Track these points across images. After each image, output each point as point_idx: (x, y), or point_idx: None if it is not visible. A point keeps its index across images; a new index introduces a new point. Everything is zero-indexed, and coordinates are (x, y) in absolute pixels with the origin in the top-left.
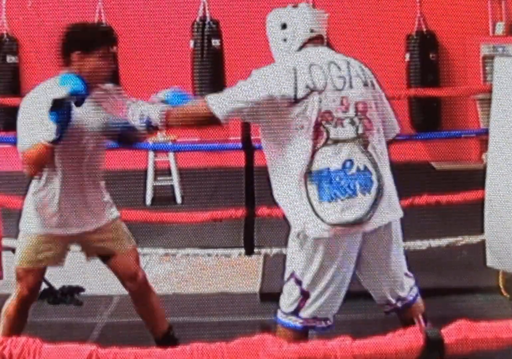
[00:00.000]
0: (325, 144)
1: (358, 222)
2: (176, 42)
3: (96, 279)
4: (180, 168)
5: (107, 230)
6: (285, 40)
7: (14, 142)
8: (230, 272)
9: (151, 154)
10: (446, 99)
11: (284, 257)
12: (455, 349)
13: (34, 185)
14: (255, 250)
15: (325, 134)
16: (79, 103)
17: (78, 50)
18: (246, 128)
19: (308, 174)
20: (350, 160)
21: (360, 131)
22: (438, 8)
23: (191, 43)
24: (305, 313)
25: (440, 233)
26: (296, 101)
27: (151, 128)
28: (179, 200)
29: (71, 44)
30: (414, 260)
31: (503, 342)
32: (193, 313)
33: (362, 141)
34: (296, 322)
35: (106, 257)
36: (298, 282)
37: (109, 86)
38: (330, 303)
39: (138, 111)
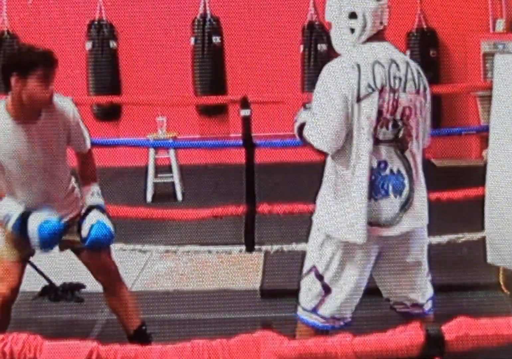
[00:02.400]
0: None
1: (389, 224)
2: (177, 39)
3: None
4: (180, 165)
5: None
6: (352, 30)
7: None
8: (231, 269)
9: (151, 151)
10: (447, 96)
11: (285, 253)
12: (456, 346)
13: None
14: (256, 247)
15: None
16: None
17: (15, 73)
18: (246, 125)
19: (358, 174)
20: (385, 162)
21: (401, 135)
22: (438, 5)
23: (192, 40)
24: (325, 311)
25: (440, 230)
26: (358, 100)
27: None
28: (179, 197)
29: (9, 68)
30: None
31: (504, 338)
32: (194, 309)
33: (401, 145)
34: (315, 320)
35: (79, 250)
36: (319, 277)
37: (64, 105)
38: (349, 301)
39: None
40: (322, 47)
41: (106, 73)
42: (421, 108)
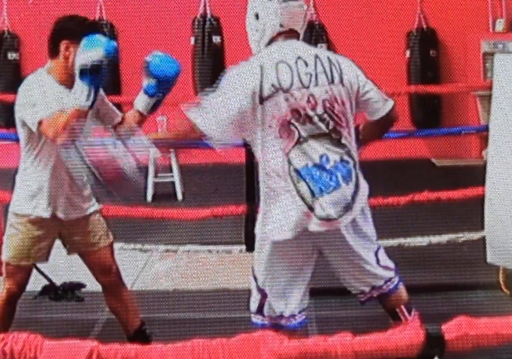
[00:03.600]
0: (297, 142)
1: (346, 211)
2: (177, 39)
3: None
4: (181, 165)
5: (86, 222)
6: (257, 30)
7: (16, 139)
8: (231, 268)
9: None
10: (447, 96)
11: None
12: (456, 345)
13: (24, 160)
14: None
15: (296, 132)
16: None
17: (65, 39)
18: None
19: (293, 172)
20: (325, 155)
21: (331, 126)
22: (438, 5)
23: (192, 39)
24: (269, 310)
25: (440, 229)
26: (262, 100)
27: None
28: (180, 196)
29: (58, 34)
30: (414, 256)
31: (503, 338)
32: (194, 309)
33: (334, 135)
34: (263, 320)
35: (84, 252)
36: (255, 279)
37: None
38: (292, 299)
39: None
40: (322, 46)
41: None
42: (346, 95)
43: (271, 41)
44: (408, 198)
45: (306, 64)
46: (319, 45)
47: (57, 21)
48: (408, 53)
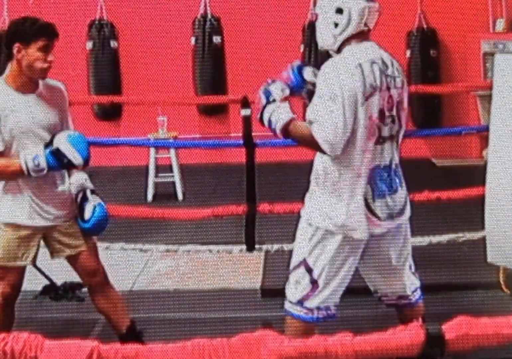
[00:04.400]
0: (377, 142)
1: (399, 215)
2: (177, 39)
3: None
4: (181, 165)
5: (70, 224)
6: (337, 25)
7: None
8: (231, 268)
9: (152, 150)
10: (447, 96)
11: (285, 253)
12: (456, 345)
13: None
14: (256, 246)
15: (377, 132)
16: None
17: (18, 42)
18: (247, 124)
19: (364, 172)
20: (392, 157)
21: (396, 129)
22: (438, 5)
23: (192, 39)
24: (310, 303)
25: (440, 229)
26: (365, 100)
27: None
28: (180, 196)
29: (10, 37)
30: (415, 256)
31: (504, 338)
32: (195, 309)
33: (396, 139)
34: (301, 312)
35: (67, 254)
36: (309, 270)
37: (57, 84)
38: (335, 293)
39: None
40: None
41: (107, 73)
42: (405, 101)
43: (350, 38)
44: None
45: (387, 66)
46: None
47: (9, 24)
48: (408, 53)
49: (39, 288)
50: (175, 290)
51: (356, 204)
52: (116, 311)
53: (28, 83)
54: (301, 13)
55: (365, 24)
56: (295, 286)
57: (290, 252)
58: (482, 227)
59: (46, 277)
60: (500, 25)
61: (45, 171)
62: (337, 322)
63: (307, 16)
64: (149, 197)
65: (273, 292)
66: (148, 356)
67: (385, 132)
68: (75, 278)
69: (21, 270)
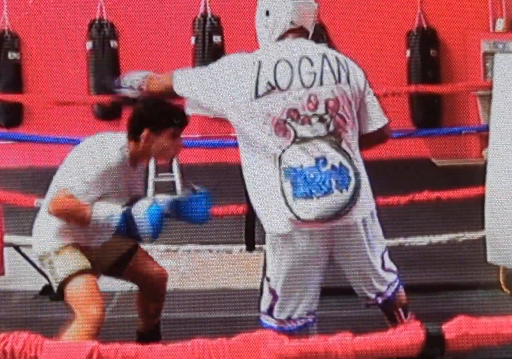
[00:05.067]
0: (293, 142)
1: (332, 218)
2: (177, 39)
3: None
4: (181, 164)
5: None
6: (266, 27)
7: (15, 139)
8: (231, 268)
9: None
10: (447, 96)
11: None
12: (456, 345)
13: None
14: (256, 246)
15: (292, 132)
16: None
17: (148, 129)
18: None
19: (282, 171)
20: (323, 158)
21: (332, 128)
22: (438, 5)
23: (192, 39)
24: (279, 314)
25: (440, 229)
26: (256, 97)
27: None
28: None
29: (142, 123)
30: (414, 256)
31: (504, 338)
32: (195, 308)
33: (334, 138)
34: (271, 322)
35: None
36: (267, 279)
37: None
38: (302, 301)
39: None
40: (322, 45)
41: (107, 73)
42: (351, 96)
43: (280, 38)
44: (408, 198)
45: (312, 63)
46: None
47: (143, 104)
48: (408, 52)
49: (39, 288)
50: (175, 289)
51: (276, 206)
52: (160, 310)
53: (142, 161)
54: None
55: (291, 22)
56: (264, 296)
57: None
58: (482, 227)
59: (46, 277)
60: (500, 24)
61: (110, 233)
62: (337, 322)
63: None
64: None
65: None
66: (148, 356)
67: (305, 131)
68: None
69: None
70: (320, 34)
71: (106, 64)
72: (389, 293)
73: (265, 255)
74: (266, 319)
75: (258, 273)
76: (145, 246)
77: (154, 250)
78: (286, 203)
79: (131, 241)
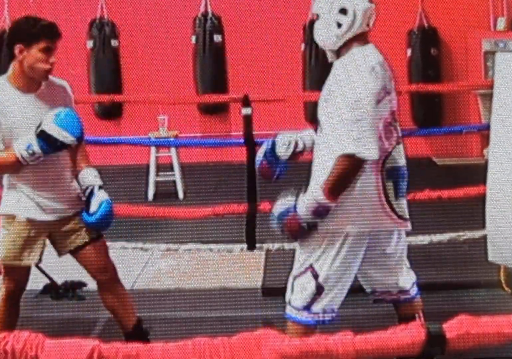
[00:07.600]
0: (397, 142)
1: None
2: (178, 38)
3: None
4: (182, 163)
5: (76, 221)
6: (340, 25)
7: None
8: (232, 267)
9: (153, 149)
10: (448, 94)
11: (286, 252)
12: (457, 344)
13: None
14: (257, 245)
15: (394, 132)
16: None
17: (19, 43)
18: (248, 123)
19: (386, 171)
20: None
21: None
22: (439, 4)
23: (193, 38)
24: (317, 307)
25: (441, 228)
26: (378, 102)
27: None
28: (181, 195)
29: (13, 37)
30: (416, 255)
31: (505, 336)
32: (196, 307)
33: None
34: (308, 317)
35: (75, 250)
36: (315, 276)
37: (63, 83)
38: (340, 295)
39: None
40: None
41: (108, 72)
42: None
43: (351, 39)
44: (409, 197)
45: (387, 69)
46: None
47: (11, 24)
48: (409, 51)
49: (40, 287)
50: (176, 289)
51: (377, 204)
52: (124, 309)
53: (30, 82)
54: (302, 12)
55: (367, 25)
56: (301, 293)
57: (291, 251)
58: (483, 226)
59: (47, 276)
60: (501, 23)
61: (41, 158)
62: (338, 321)
63: (308, 15)
64: (150, 196)
65: (274, 291)
66: (148, 355)
67: (399, 132)
68: (76, 277)
69: (27, 268)
70: None
71: (106, 63)
72: (412, 293)
73: (294, 253)
74: (301, 315)
75: (259, 272)
76: (146, 245)
77: (155, 249)
78: (389, 203)
79: (92, 232)
